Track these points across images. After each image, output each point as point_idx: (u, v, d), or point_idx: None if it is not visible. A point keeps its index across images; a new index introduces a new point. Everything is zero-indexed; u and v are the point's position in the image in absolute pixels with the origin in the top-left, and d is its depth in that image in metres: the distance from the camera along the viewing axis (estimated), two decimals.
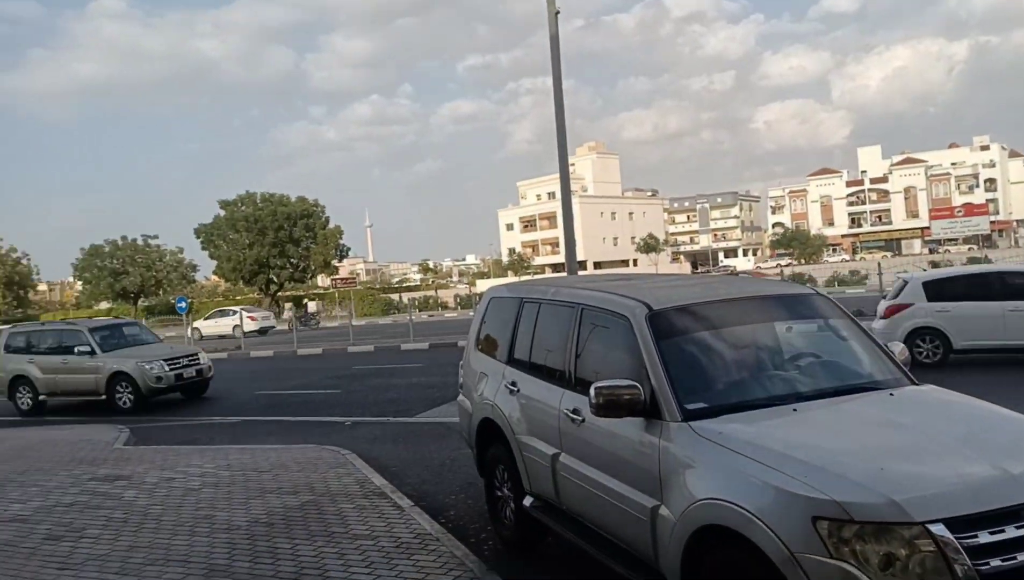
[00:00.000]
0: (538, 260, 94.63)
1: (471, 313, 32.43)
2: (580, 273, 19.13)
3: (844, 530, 2.88)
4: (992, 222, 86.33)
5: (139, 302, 61.98)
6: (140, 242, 60.45)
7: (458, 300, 52.94)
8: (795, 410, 3.79)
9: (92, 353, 14.77)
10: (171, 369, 14.77)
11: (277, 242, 55.96)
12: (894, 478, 3.04)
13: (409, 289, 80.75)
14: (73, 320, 18.71)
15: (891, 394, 4.05)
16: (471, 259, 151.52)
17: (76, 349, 14.83)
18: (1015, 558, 2.84)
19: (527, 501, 5.17)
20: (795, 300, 4.86)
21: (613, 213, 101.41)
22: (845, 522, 2.88)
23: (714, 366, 4.26)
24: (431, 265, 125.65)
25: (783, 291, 5.09)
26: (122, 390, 14.58)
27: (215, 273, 63.19)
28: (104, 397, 14.66)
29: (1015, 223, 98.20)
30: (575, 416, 4.51)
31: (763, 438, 3.48)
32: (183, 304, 32.41)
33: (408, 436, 10.17)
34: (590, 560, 4.86)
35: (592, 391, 3.89)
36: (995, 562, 2.82)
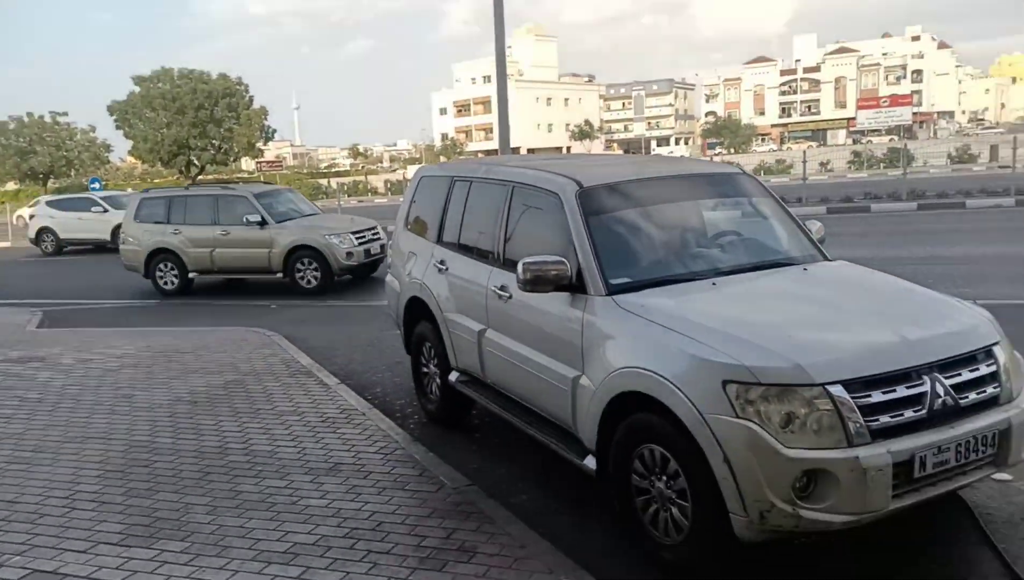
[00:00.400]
0: (471, 146, 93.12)
1: (402, 199, 31.94)
2: None
3: (751, 392, 3.03)
4: (914, 113, 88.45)
5: (48, 183, 58.82)
6: (48, 120, 56.78)
7: (388, 185, 51.95)
8: (714, 284, 3.91)
9: (263, 223, 12.47)
10: (360, 244, 12.50)
11: (197, 122, 53.22)
12: (800, 345, 3.19)
13: (338, 174, 78.64)
14: (231, 184, 14.47)
15: (805, 269, 4.22)
16: (403, 144, 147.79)
17: (245, 218, 12.51)
18: (902, 414, 3.06)
19: (453, 376, 5.27)
20: (721, 179, 4.93)
21: (549, 99, 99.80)
22: (752, 385, 3.03)
23: (640, 243, 4.32)
24: (361, 150, 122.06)
25: (710, 170, 5.15)
26: (304, 267, 12.33)
27: (131, 154, 60.07)
28: (282, 275, 12.48)
29: (936, 115, 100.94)
30: (502, 293, 4.55)
31: (682, 310, 3.60)
32: (97, 185, 30.86)
33: (335, 318, 10.15)
34: (511, 430, 5.04)
35: (520, 267, 3.91)
36: (884, 418, 3.03)
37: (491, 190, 5.04)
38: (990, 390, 3.28)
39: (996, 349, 3.41)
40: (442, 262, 5.40)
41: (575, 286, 3.95)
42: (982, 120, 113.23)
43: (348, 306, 11.11)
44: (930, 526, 3.62)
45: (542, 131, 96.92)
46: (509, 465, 4.80)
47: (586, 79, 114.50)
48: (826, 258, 4.46)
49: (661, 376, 3.29)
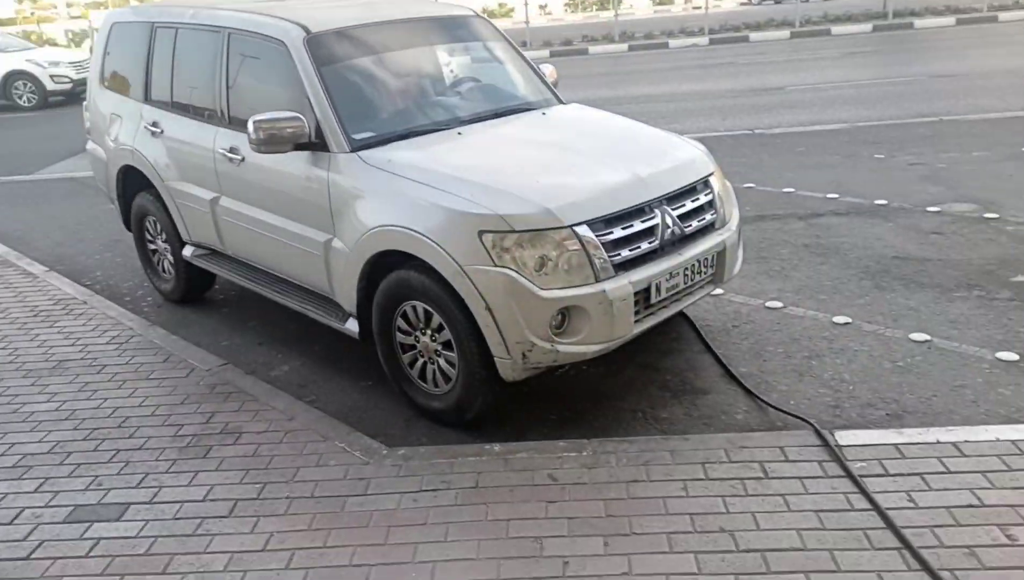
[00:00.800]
0: None
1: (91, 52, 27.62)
2: None
3: (506, 240, 3.09)
4: None
5: None
6: None
7: (71, 36, 44.51)
8: (459, 134, 3.85)
9: None
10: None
11: None
12: (547, 190, 3.28)
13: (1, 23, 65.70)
14: None
15: (543, 113, 4.30)
16: None
17: None
18: (639, 246, 3.31)
19: (187, 251, 4.81)
20: (455, 23, 4.76)
21: None
22: (507, 232, 3.08)
23: (379, 94, 4.09)
24: None
25: (443, 13, 4.94)
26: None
27: None
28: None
29: None
30: (233, 155, 4.13)
31: (431, 162, 3.52)
32: None
33: (30, 197, 8.73)
34: (262, 301, 4.78)
35: (251, 125, 3.55)
36: (624, 252, 3.26)
37: (203, 38, 4.45)
38: (708, 217, 3.65)
39: (712, 179, 3.77)
40: (155, 124, 4.76)
41: (315, 144, 3.69)
42: None
43: (42, 181, 9.60)
44: (662, 342, 4.07)
45: None
46: (265, 338, 4.57)
47: None
48: (561, 102, 4.58)
49: (417, 232, 3.23)
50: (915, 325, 4.05)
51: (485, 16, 4.98)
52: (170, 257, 5.03)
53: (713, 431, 3.21)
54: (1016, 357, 3.63)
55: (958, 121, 8.86)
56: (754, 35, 20.42)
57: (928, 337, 3.90)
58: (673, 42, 20.73)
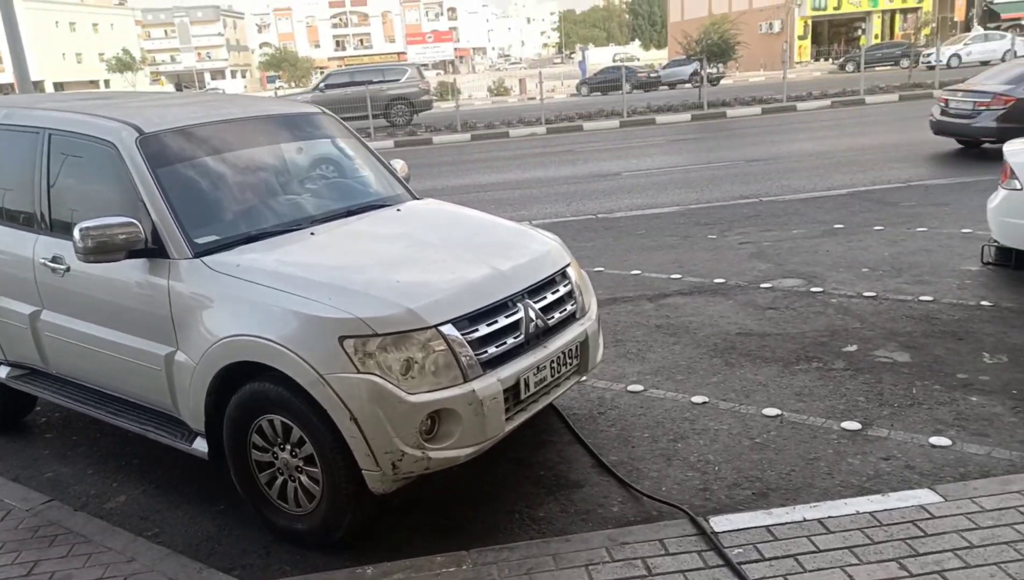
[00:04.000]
0: None
1: None
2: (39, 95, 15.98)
3: (368, 344, 2.95)
4: (455, 49, 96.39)
5: None
6: None
7: None
8: (312, 233, 3.72)
9: None
10: None
11: None
12: (408, 289, 3.20)
13: None
14: None
15: (398, 210, 4.24)
16: None
17: None
18: (505, 342, 3.27)
19: (2, 372, 4.28)
20: (301, 119, 4.66)
21: (72, 23, 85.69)
22: (369, 336, 2.96)
23: (223, 194, 3.88)
24: None
25: (288, 110, 4.83)
26: None
27: None
28: None
29: (472, 51, 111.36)
30: (56, 265, 3.76)
31: (283, 265, 3.36)
32: None
33: None
34: (94, 423, 4.32)
35: (77, 234, 3.25)
36: (491, 349, 3.20)
37: (18, 139, 4.09)
38: (569, 307, 3.69)
39: (569, 270, 3.83)
40: None
41: (152, 250, 3.42)
42: (508, 56, 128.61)
43: None
44: (533, 436, 4.02)
45: (70, 62, 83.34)
46: (98, 466, 4.09)
47: (116, 2, 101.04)
48: (415, 197, 4.56)
49: (271, 341, 3.03)
50: (765, 400, 4.25)
51: (331, 113, 4.92)
52: None
53: (591, 527, 3.16)
54: (858, 426, 3.87)
55: (775, 201, 9.70)
56: (587, 124, 21.70)
57: (779, 411, 4.09)
58: (513, 131, 21.60)
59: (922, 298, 5.69)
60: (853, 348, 4.88)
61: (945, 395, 4.14)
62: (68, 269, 3.71)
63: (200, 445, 3.39)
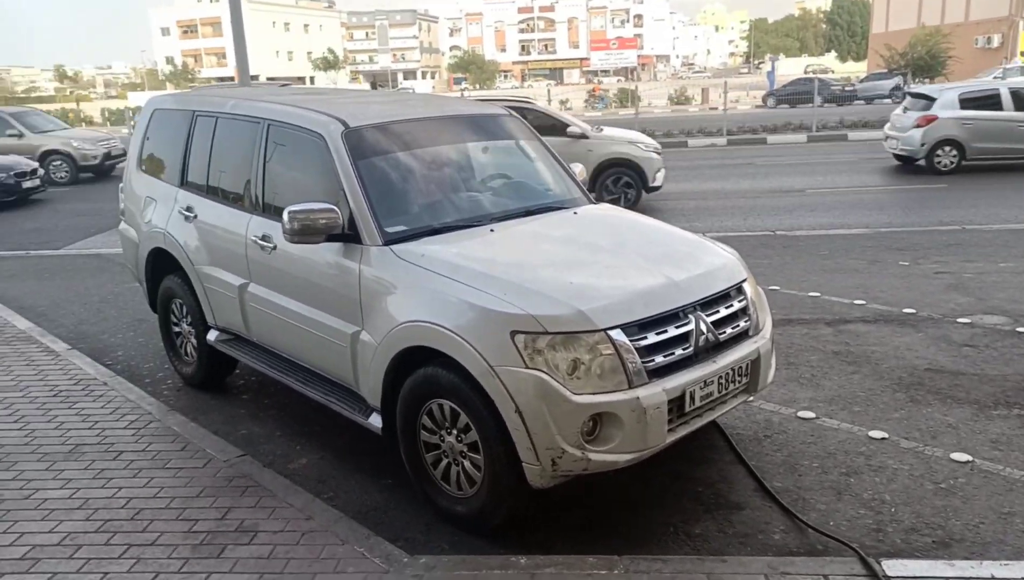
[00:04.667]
0: (204, 72, 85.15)
1: (125, 130, 28.57)
2: None
3: (538, 341, 3.03)
4: (638, 56, 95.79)
5: None
6: None
7: (107, 115, 46.05)
8: (492, 230, 3.85)
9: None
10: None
11: None
12: (580, 291, 3.24)
13: (41, 100, 68.25)
14: None
15: (575, 213, 4.30)
16: (119, 67, 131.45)
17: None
18: (673, 353, 3.24)
19: (212, 335, 4.78)
20: (489, 120, 4.84)
21: (287, 24, 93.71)
22: (539, 334, 3.03)
23: (413, 188, 4.12)
24: (69, 72, 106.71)
25: (478, 111, 5.05)
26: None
27: None
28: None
29: (655, 58, 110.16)
30: (265, 243, 4.15)
31: (463, 259, 3.50)
32: None
33: (57, 271, 8.83)
34: (284, 390, 4.72)
35: (286, 216, 3.57)
36: (658, 358, 3.18)
37: (242, 128, 4.55)
38: (742, 324, 3.59)
39: (745, 285, 3.73)
40: (189, 208, 4.81)
41: (348, 236, 3.70)
42: (692, 64, 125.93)
43: (70, 256, 9.72)
44: (693, 451, 3.94)
45: (282, 59, 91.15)
46: (285, 429, 4.48)
47: (326, 5, 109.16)
48: (591, 201, 4.60)
49: (447, 329, 3.18)
50: (955, 443, 3.91)
51: (517, 116, 5.06)
52: (194, 341, 5.00)
53: (750, 552, 3.06)
54: None
55: (981, 230, 8.86)
56: (772, 137, 20.83)
57: (970, 457, 3.76)
58: (692, 141, 21.16)
59: None
60: None
61: None
62: (275, 247, 4.08)
63: (375, 420, 3.62)
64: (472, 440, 3.23)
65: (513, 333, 3.04)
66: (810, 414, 4.33)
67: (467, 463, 3.30)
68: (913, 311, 6.04)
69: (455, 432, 3.30)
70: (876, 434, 4.04)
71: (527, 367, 3.01)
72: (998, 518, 3.24)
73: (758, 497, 3.50)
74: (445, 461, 3.40)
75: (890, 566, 2.82)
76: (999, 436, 3.97)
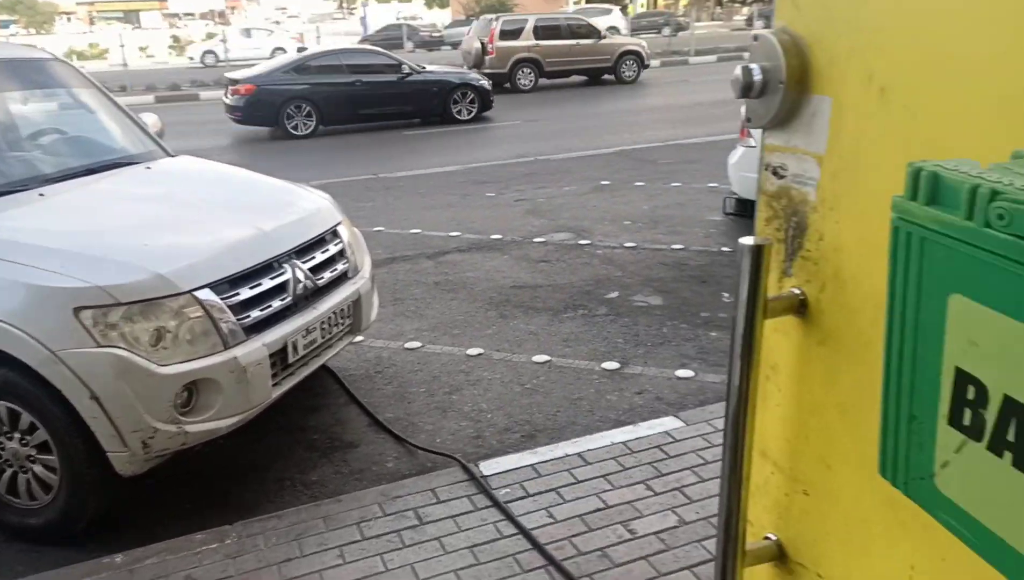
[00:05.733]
0: None
1: None
2: None
3: (111, 315, 2.70)
4: None
5: None
6: None
7: None
8: (42, 195, 3.33)
9: None
10: None
11: None
12: (158, 252, 2.97)
13: None
14: None
15: (148, 167, 3.91)
16: None
17: None
18: (270, 305, 3.14)
19: None
20: (29, 66, 4.13)
21: None
22: (111, 306, 2.71)
23: None
24: None
25: (12, 55, 4.26)
26: None
27: None
28: None
29: (244, 1, 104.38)
30: None
31: (7, 231, 2.97)
32: None
33: None
34: None
35: None
36: (255, 313, 3.06)
37: None
38: (340, 267, 3.61)
39: (340, 228, 3.74)
40: None
41: None
42: (285, 8, 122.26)
43: None
44: (306, 399, 3.91)
45: None
46: None
47: None
48: (168, 153, 4.21)
49: None
50: (536, 347, 4.45)
51: (68, 60, 4.39)
52: None
53: (366, 485, 3.14)
54: (617, 365, 4.17)
55: (550, 160, 10.11)
56: None
57: (548, 357, 4.31)
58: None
59: (674, 247, 6.22)
60: (615, 295, 5.23)
61: (690, 332, 4.57)
62: None
63: None
64: (41, 440, 2.80)
65: (77, 310, 2.67)
66: (416, 343, 4.58)
67: (37, 468, 2.85)
68: (500, 236, 6.69)
69: (17, 436, 2.83)
70: (473, 351, 4.42)
71: (100, 346, 2.68)
72: (570, 404, 3.79)
73: (372, 431, 3.61)
74: (9, 471, 2.90)
75: (486, 466, 3.12)
76: (568, 335, 4.62)
